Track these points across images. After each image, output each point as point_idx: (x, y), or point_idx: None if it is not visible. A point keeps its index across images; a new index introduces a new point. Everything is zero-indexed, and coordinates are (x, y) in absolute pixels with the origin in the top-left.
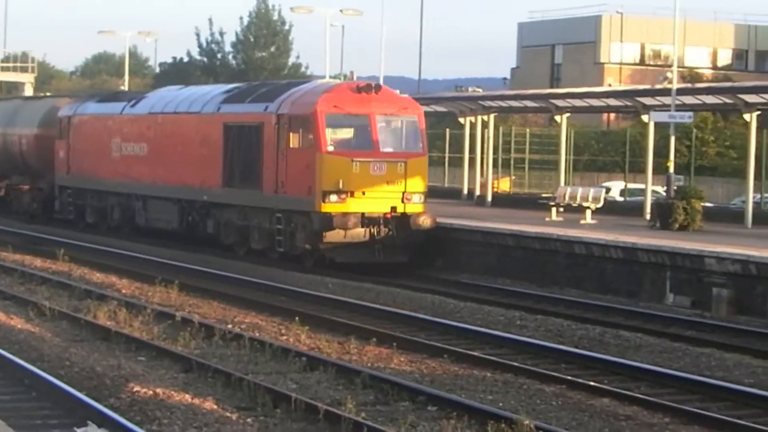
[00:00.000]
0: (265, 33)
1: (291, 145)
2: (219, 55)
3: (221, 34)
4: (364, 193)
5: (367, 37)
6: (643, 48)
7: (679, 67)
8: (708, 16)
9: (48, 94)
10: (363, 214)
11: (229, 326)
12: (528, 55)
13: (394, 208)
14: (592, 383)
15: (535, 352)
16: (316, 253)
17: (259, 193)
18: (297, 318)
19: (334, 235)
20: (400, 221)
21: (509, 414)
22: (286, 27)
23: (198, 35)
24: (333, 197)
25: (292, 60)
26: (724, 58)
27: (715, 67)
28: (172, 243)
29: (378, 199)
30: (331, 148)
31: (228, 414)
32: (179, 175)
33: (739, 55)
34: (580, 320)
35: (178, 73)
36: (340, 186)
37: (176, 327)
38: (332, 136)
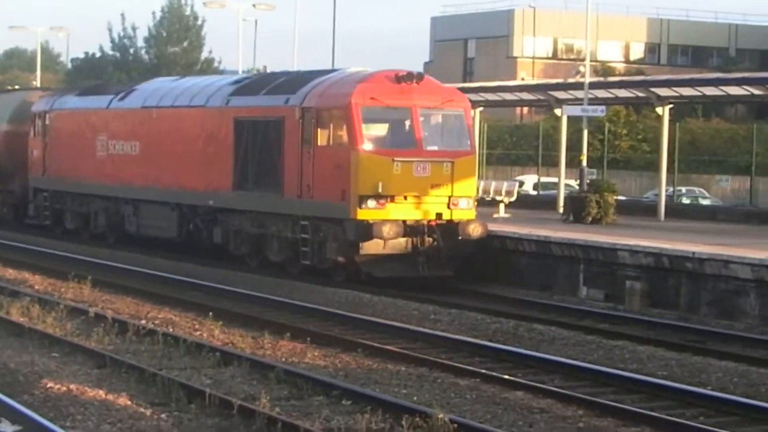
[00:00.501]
0: (178, 28)
1: (319, 143)
2: (131, 50)
3: (134, 29)
4: (405, 198)
5: (280, 32)
6: (555, 42)
7: (591, 61)
8: (620, 9)
9: (16, 87)
10: (404, 221)
11: (143, 322)
12: (441, 50)
13: (439, 215)
14: (506, 376)
15: (449, 346)
16: (350, 266)
17: (280, 197)
18: (210, 313)
19: (371, 246)
20: (447, 230)
21: (423, 408)
22: (199, 22)
23: (110, 30)
24: (371, 202)
25: (204, 55)
26: (637, 52)
27: (627, 61)
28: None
29: (421, 205)
30: (368, 146)
31: (142, 409)
32: (179, 176)
33: (652, 48)
34: (493, 314)
35: (90, 68)
36: (379, 189)
37: (90, 323)
38: (369, 131)
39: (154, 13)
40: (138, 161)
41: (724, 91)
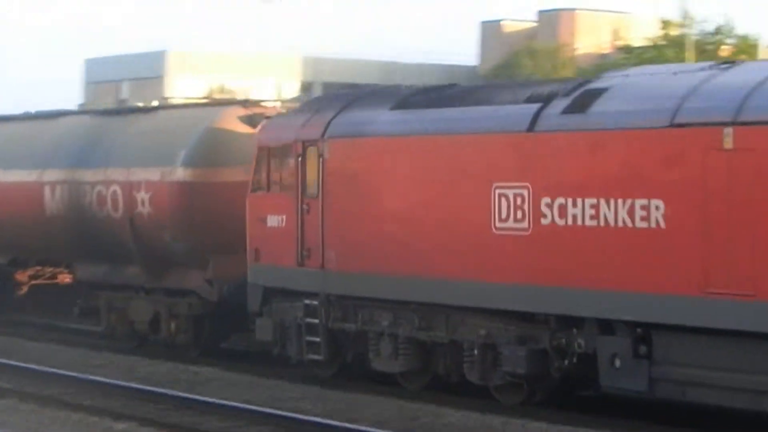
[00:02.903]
0: None
1: None
2: None
3: None
4: None
5: None
6: (209, 82)
7: (246, 99)
8: (276, 49)
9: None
10: None
11: None
12: (94, 91)
13: None
14: (161, 419)
15: (108, 390)
16: None
17: None
18: None
19: None
20: None
21: None
22: None
23: None
24: None
25: None
26: (292, 90)
27: (282, 99)
28: None
29: None
30: None
31: None
32: None
33: (306, 86)
34: (147, 356)
35: None
36: None
37: None
38: None
39: None
40: (670, 241)
41: None
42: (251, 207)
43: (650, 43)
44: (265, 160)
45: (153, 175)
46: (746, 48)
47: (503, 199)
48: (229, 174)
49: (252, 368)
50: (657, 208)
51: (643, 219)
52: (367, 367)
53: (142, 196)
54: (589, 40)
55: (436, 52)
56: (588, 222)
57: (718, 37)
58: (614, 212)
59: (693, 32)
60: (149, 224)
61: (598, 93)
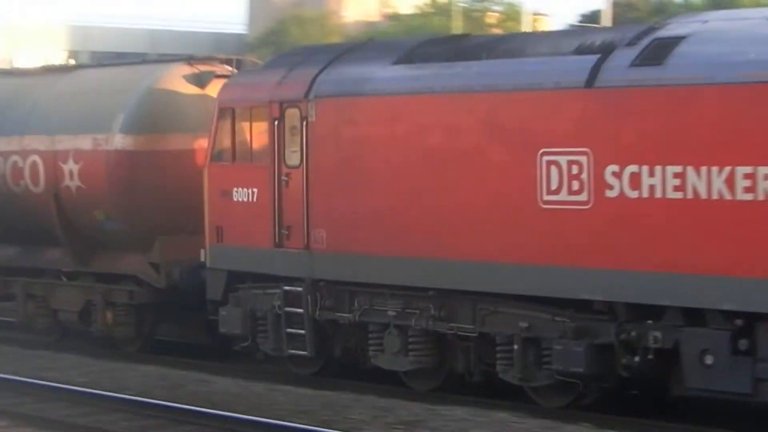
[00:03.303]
0: None
1: None
2: None
3: None
4: None
5: None
6: None
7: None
8: (39, 18)
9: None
10: None
11: None
12: None
13: None
14: None
15: None
16: None
17: None
18: None
19: None
20: None
21: None
22: None
23: None
24: None
25: None
26: (59, 59)
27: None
28: None
29: None
30: None
31: None
32: None
33: (73, 55)
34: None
35: None
36: None
37: None
38: None
39: None
40: None
41: None
42: (212, 179)
43: (418, 11)
44: (228, 125)
45: (83, 143)
46: (513, 14)
47: (553, 168)
48: (176, 141)
49: (19, 339)
50: (767, 176)
51: (747, 190)
52: (362, 364)
53: (70, 167)
54: (357, 9)
55: (204, 20)
56: (671, 194)
57: (485, 4)
58: (707, 182)
59: (460, 0)
60: (79, 200)
61: (675, 42)
